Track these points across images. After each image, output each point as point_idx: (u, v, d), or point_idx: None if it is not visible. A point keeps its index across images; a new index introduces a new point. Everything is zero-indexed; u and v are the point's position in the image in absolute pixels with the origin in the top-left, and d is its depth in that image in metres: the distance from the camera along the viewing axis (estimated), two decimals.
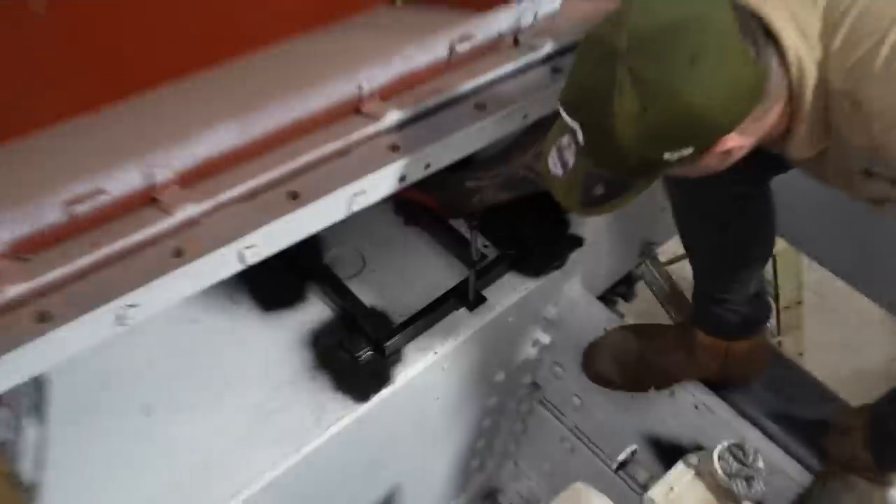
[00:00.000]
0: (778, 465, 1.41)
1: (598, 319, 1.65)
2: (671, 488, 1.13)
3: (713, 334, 1.46)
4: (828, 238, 1.70)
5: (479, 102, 1.17)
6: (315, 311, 1.44)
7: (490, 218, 1.59)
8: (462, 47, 1.16)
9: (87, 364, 1.19)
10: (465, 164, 1.33)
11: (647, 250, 1.99)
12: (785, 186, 1.29)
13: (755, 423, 1.46)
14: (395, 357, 1.37)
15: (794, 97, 0.93)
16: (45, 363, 0.83)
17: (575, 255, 1.62)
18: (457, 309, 1.46)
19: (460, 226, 1.54)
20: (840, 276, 1.78)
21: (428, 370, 1.39)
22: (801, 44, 0.90)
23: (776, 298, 2.49)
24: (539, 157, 1.00)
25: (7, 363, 0.79)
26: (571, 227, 1.63)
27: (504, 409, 1.77)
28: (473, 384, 1.58)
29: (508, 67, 1.20)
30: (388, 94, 1.12)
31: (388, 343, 1.36)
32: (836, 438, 1.34)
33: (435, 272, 1.54)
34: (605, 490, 1.16)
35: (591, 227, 1.63)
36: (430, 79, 1.15)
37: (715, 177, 0.99)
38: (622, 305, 2.20)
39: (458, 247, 1.52)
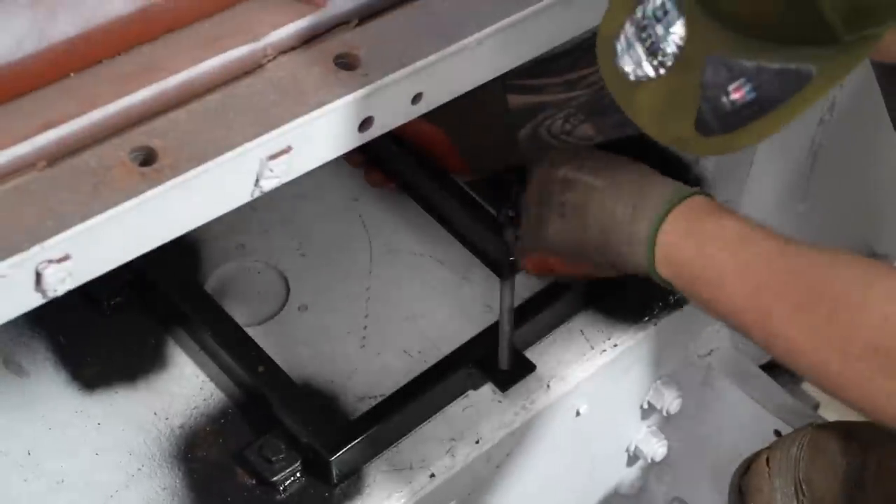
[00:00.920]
0: None
1: (764, 412, 1.66)
2: None
3: None
4: None
5: None
6: (186, 389, 1.46)
7: None
8: None
9: None
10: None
11: None
12: None
13: None
14: (349, 484, 1.39)
15: None
16: None
17: None
18: (475, 387, 1.48)
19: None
20: None
21: None
22: None
23: None
24: (602, 47, 1.01)
25: None
26: None
27: None
28: None
29: None
30: None
31: (335, 456, 1.37)
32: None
33: (429, 305, 1.56)
34: None
35: (753, 217, 1.65)
36: None
37: None
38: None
39: (484, 243, 1.52)
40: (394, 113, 1.17)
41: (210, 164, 1.05)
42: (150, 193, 1.02)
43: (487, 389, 1.48)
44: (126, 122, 1.07)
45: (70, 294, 1.43)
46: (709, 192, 1.22)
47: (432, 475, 1.41)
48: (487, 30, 1.19)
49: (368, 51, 1.15)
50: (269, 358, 1.44)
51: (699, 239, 1.17)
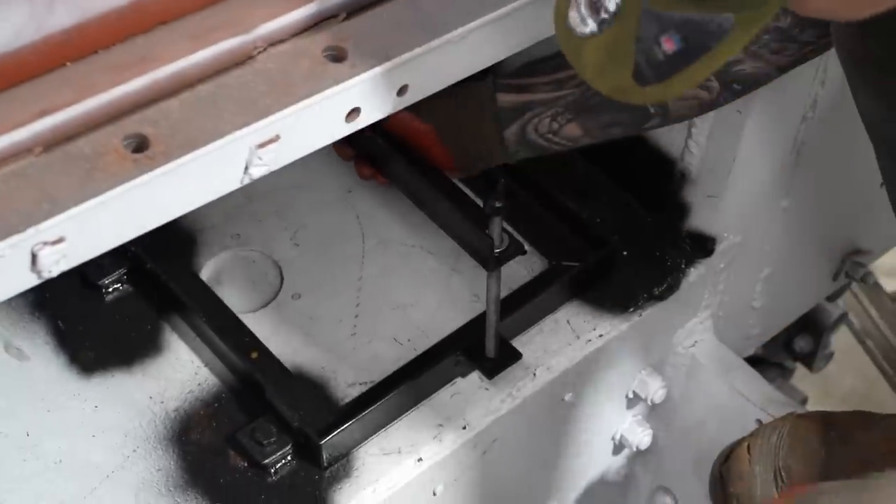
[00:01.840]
0: None
1: (747, 403, 1.67)
2: None
3: None
4: None
5: None
6: (181, 373, 1.48)
7: (533, 190, 1.62)
8: None
9: None
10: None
11: (852, 269, 2.02)
12: None
13: None
14: (339, 467, 1.41)
15: None
16: None
17: (700, 273, 1.65)
18: (462, 375, 1.49)
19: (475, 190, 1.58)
20: None
21: (404, 497, 1.42)
22: None
23: None
24: (557, 10, 1.05)
25: None
26: (692, 216, 1.66)
27: None
28: None
29: None
30: None
31: (326, 439, 1.39)
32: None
33: (419, 295, 1.58)
34: None
35: (735, 216, 1.66)
36: None
37: None
38: (803, 377, 2.24)
39: (470, 236, 1.51)
40: (380, 104, 1.19)
41: (201, 152, 1.08)
42: (142, 179, 1.05)
43: (475, 377, 1.49)
44: (120, 111, 1.09)
45: (69, 281, 1.48)
46: None
47: (420, 460, 1.43)
48: (471, 24, 1.21)
49: (356, 44, 1.17)
50: (262, 344, 1.46)
51: None
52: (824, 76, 1.57)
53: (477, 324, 1.49)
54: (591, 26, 1.02)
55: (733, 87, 1.40)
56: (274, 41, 1.16)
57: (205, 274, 1.58)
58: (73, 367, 1.48)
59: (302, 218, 1.65)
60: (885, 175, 1.39)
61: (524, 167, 1.55)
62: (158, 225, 1.10)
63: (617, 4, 1.00)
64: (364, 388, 1.46)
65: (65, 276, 1.08)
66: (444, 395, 1.48)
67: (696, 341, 1.71)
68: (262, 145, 1.11)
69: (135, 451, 1.41)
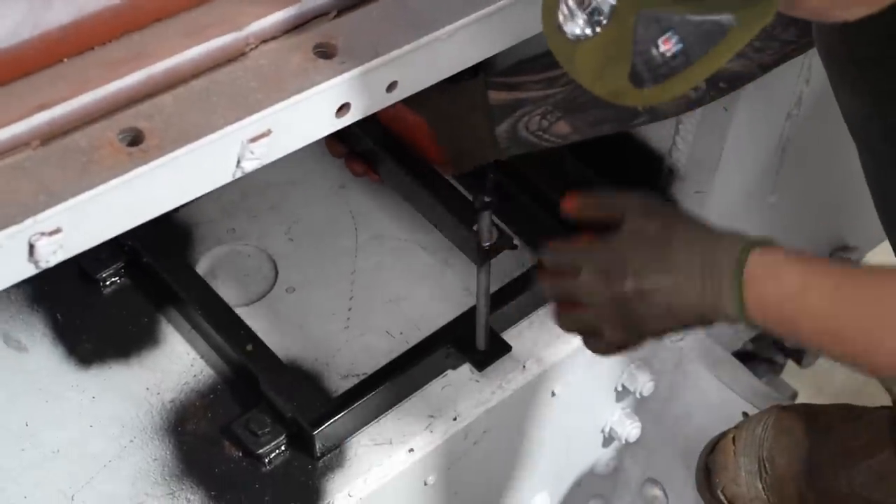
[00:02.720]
0: None
1: (734, 396, 1.69)
2: None
3: None
4: None
5: None
6: (177, 365, 1.50)
7: (524, 185, 1.64)
8: None
9: None
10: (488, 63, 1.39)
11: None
12: None
13: None
14: (332, 457, 1.43)
15: None
16: None
17: None
18: (453, 367, 1.51)
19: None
20: None
21: (395, 487, 1.44)
22: None
23: None
24: (545, 11, 1.04)
25: None
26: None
27: None
28: None
29: None
30: None
31: (318, 430, 1.40)
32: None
33: (411, 288, 1.59)
34: None
35: (722, 212, 1.66)
36: None
37: None
38: (792, 372, 2.24)
39: (461, 231, 1.54)
40: (369, 99, 1.21)
41: (194, 146, 1.09)
42: (136, 172, 1.07)
43: (465, 369, 1.51)
44: (115, 105, 1.11)
45: (68, 274, 1.50)
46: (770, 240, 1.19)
47: (411, 450, 1.44)
48: (459, 22, 1.23)
49: (346, 41, 1.19)
50: (256, 337, 1.47)
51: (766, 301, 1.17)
52: (809, 74, 1.58)
53: (468, 317, 1.50)
54: (585, 29, 1.02)
55: (719, 85, 1.41)
56: (266, 38, 1.18)
57: (201, 268, 1.60)
58: (71, 358, 1.50)
59: (296, 213, 1.66)
60: (866, 171, 1.40)
61: (515, 163, 1.56)
62: (153, 216, 1.12)
63: (611, 4, 0.99)
64: (357, 380, 1.47)
65: (63, 269, 1.10)
66: (435, 386, 1.49)
67: (683, 335, 1.71)
68: (253, 139, 1.13)
69: (132, 441, 1.43)
